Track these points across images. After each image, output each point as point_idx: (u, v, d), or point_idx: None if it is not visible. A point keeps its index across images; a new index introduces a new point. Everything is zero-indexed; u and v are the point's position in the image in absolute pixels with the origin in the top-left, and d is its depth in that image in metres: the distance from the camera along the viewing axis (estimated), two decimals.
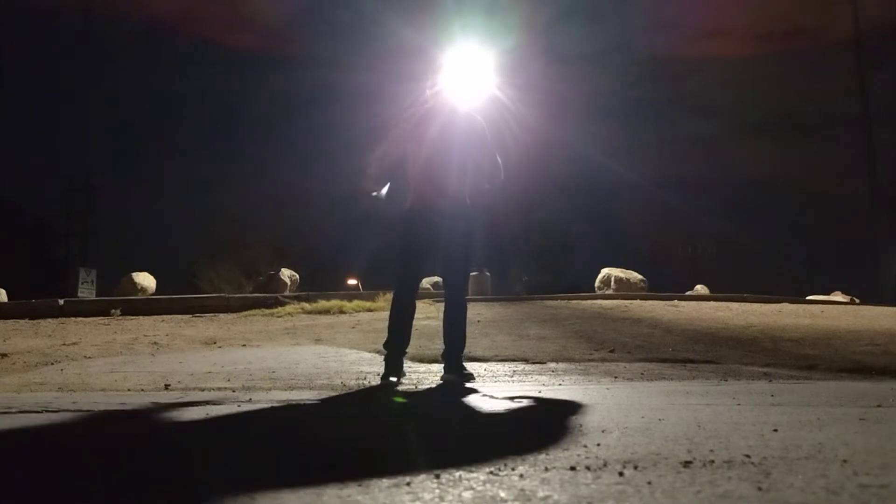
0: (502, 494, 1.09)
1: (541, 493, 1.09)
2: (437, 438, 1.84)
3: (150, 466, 1.44)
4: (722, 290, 13.92)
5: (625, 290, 13.61)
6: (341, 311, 9.35)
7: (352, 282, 23.59)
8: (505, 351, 5.41)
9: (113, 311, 10.01)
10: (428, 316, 6.59)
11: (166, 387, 3.69)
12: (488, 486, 1.15)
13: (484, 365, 4.69)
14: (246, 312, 9.68)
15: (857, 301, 14.64)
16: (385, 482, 1.17)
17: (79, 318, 9.56)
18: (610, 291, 13.77)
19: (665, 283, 17.46)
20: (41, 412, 2.45)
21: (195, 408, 2.61)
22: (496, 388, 3.35)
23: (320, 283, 20.15)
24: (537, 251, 23.98)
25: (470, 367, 3.95)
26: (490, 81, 4.58)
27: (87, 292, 17.93)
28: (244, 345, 6.29)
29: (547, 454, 1.44)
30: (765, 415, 2.11)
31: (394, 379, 3.63)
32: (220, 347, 6.15)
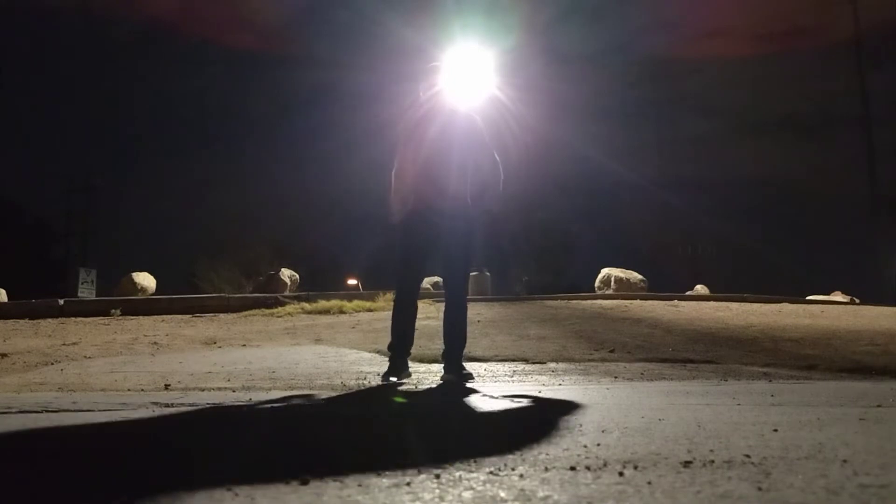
0: (502, 494, 1.09)
1: (541, 493, 1.09)
2: (437, 438, 1.84)
3: (150, 466, 1.44)
4: (722, 290, 13.93)
5: (625, 290, 13.61)
6: (341, 311, 9.35)
7: (352, 282, 23.63)
8: (505, 351, 5.41)
9: (113, 311, 10.01)
10: (428, 316, 6.59)
11: (166, 387, 3.69)
12: (488, 486, 1.15)
13: (484, 365, 4.69)
14: (246, 312, 9.68)
15: (857, 301, 14.65)
16: (385, 482, 1.17)
17: (79, 318, 9.56)
18: (610, 291, 13.78)
19: (665, 283, 17.50)
20: (41, 412, 2.45)
21: (195, 408, 2.62)
22: (496, 388, 3.35)
23: (320, 283, 20.19)
24: (537, 251, 24.00)
25: (470, 367, 3.95)
26: (490, 81, 4.59)
27: (87, 292, 17.95)
28: (244, 345, 6.29)
29: (547, 454, 1.44)
30: (765, 415, 2.11)
31: (394, 379, 3.64)
32: (220, 347, 6.15)
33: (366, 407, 2.93)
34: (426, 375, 4.04)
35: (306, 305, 9.88)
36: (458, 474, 1.23)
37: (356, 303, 9.81)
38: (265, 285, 17.00)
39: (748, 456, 1.38)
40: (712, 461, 1.33)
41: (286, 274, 17.35)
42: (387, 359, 3.79)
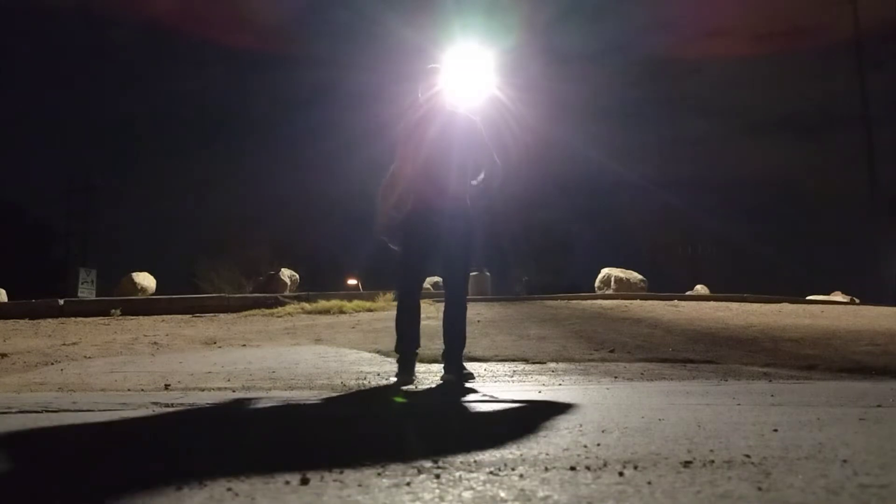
0: (502, 494, 1.09)
1: (541, 493, 1.09)
2: (437, 438, 1.84)
3: (150, 466, 1.44)
4: (722, 290, 13.93)
5: (625, 290, 13.61)
6: (341, 311, 9.34)
7: (352, 282, 23.61)
8: (505, 351, 5.41)
9: (113, 311, 10.01)
10: (428, 316, 6.56)
11: (166, 387, 3.69)
12: (488, 486, 1.15)
13: (484, 365, 4.69)
14: (246, 312, 9.68)
15: (857, 301, 14.65)
16: (385, 482, 1.17)
17: (79, 318, 9.55)
18: (610, 291, 13.77)
19: (665, 283, 17.51)
20: (41, 412, 2.45)
21: (195, 408, 2.62)
22: (496, 388, 3.35)
23: (320, 283, 20.20)
24: (537, 251, 24.03)
25: (470, 367, 3.95)
26: (490, 81, 4.59)
27: (87, 292, 17.95)
28: (244, 345, 6.29)
29: (547, 454, 1.44)
30: (765, 415, 2.11)
31: (395, 380, 3.64)
32: (220, 347, 6.15)
33: (366, 407, 2.93)
34: (426, 375, 4.04)
35: (306, 305, 9.88)
36: (458, 474, 1.23)
37: (356, 303, 9.80)
38: (265, 285, 17.00)
39: (748, 456, 1.38)
40: (712, 461, 1.33)
41: (286, 274, 17.35)
42: (387, 359, 3.80)
